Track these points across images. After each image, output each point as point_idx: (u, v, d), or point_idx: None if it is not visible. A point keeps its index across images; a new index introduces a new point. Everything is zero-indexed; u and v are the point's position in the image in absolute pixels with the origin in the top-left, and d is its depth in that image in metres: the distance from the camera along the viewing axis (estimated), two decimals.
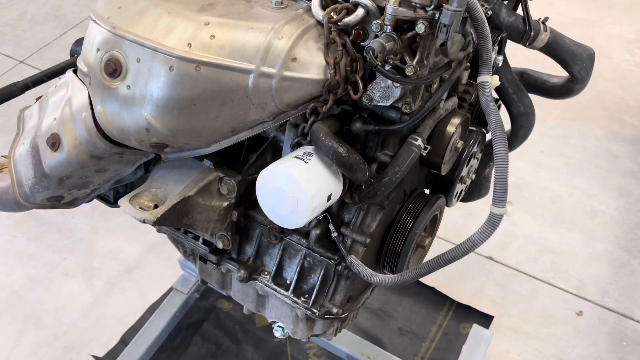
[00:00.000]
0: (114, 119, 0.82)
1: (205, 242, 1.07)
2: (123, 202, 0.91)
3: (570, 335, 2.00)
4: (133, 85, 0.79)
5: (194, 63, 0.75)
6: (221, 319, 2.06)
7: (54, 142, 0.86)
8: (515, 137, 1.20)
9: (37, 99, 1.04)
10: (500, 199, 0.72)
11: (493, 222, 0.73)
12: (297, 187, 0.79)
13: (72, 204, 1.01)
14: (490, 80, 0.79)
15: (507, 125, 1.19)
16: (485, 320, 2.01)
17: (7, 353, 1.98)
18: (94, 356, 1.96)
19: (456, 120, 0.95)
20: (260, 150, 0.99)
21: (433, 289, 2.10)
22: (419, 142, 0.86)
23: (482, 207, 2.03)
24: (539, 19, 1.04)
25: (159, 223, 0.89)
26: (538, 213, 2.38)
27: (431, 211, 1.00)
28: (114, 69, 0.79)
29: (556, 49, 1.06)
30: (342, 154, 0.79)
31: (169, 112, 0.79)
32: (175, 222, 0.92)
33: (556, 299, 2.10)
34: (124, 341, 1.99)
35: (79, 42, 1.35)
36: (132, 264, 2.26)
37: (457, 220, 2.29)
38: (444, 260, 0.78)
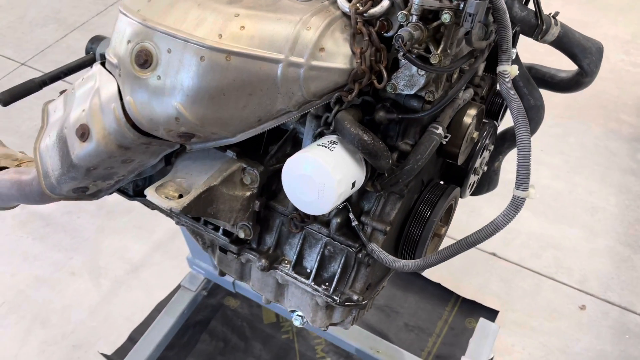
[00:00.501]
0: (143, 109, 0.84)
1: (225, 233, 1.08)
2: (149, 191, 0.92)
3: (574, 328, 2.03)
4: (163, 76, 0.81)
5: (224, 53, 0.78)
6: (229, 316, 2.07)
7: (83, 133, 0.88)
8: None
9: (61, 92, 1.06)
10: (523, 182, 0.74)
11: (516, 205, 0.75)
12: (323, 174, 0.81)
13: (96, 195, 1.03)
14: (509, 70, 0.82)
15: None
16: (491, 314, 2.03)
17: (15, 352, 1.98)
18: (102, 354, 1.96)
19: (472, 111, 0.98)
20: (281, 142, 1.02)
21: (438, 285, 2.13)
22: (440, 130, 0.88)
23: (485, 204, 2.07)
24: (550, 14, 1.07)
25: (185, 212, 0.91)
26: (539, 210, 2.42)
27: (447, 201, 1.02)
28: (144, 59, 0.81)
29: (566, 42, 1.09)
30: (367, 141, 0.81)
31: (198, 102, 0.81)
32: (200, 211, 0.94)
33: (559, 293, 2.13)
34: (132, 339, 2.00)
35: (94, 40, 1.36)
36: (138, 263, 2.27)
37: (461, 217, 2.32)
38: (467, 243, 0.80)
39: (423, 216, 1.00)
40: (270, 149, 1.03)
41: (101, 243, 2.35)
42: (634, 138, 2.72)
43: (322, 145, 0.85)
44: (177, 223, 1.17)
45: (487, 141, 1.10)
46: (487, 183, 1.37)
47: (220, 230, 1.09)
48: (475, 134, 1.02)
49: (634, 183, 2.55)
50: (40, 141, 0.99)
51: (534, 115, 1.19)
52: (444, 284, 2.14)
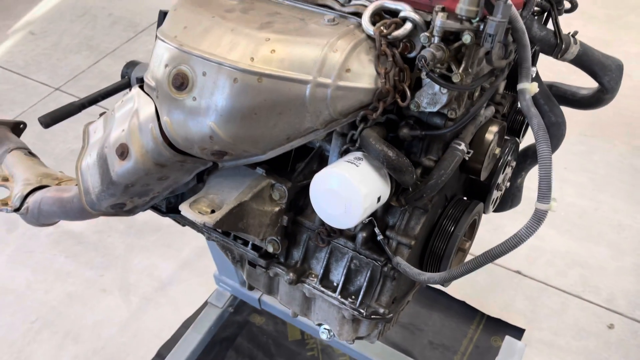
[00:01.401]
0: (179, 128, 0.89)
1: (254, 248, 1.12)
2: (184, 207, 0.97)
3: (602, 348, 2.00)
4: (199, 97, 0.86)
5: (256, 75, 0.82)
6: (254, 333, 2.10)
7: (123, 152, 0.93)
8: None
9: (101, 114, 1.12)
10: (545, 195, 0.77)
11: (539, 218, 0.77)
12: (350, 189, 0.84)
13: (132, 211, 1.08)
14: (529, 87, 0.85)
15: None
16: (517, 333, 2.02)
17: None
18: None
19: (494, 128, 1.00)
20: (308, 159, 1.06)
21: (463, 303, 2.13)
22: (462, 146, 0.91)
23: (509, 221, 2.06)
24: (569, 33, 1.10)
25: (218, 226, 0.95)
26: (564, 228, 2.40)
27: (471, 215, 1.05)
28: (181, 82, 0.86)
29: (586, 60, 1.12)
30: (392, 157, 0.85)
31: (231, 121, 0.86)
32: (231, 225, 0.98)
33: (587, 312, 2.11)
34: (161, 355, 2.04)
35: (129, 65, 1.44)
36: (166, 280, 2.32)
37: (484, 235, 2.32)
38: (491, 256, 0.82)
39: (447, 231, 1.02)
40: (297, 166, 1.07)
41: (131, 261, 2.41)
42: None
43: (349, 162, 0.88)
44: (208, 238, 1.22)
45: (509, 157, 1.12)
46: (510, 200, 1.39)
47: (249, 245, 1.13)
48: (498, 150, 1.05)
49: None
50: (81, 160, 1.05)
51: (555, 132, 1.21)
52: (468, 302, 2.14)
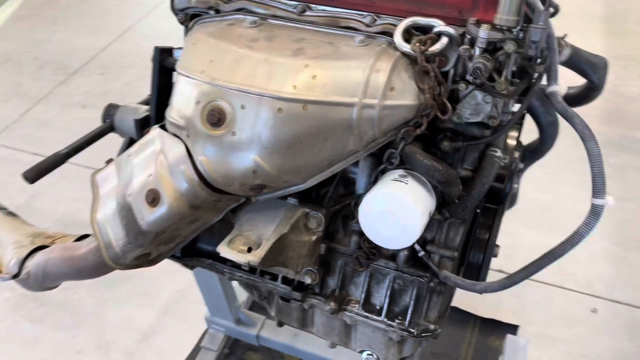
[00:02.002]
0: (219, 166, 0.85)
1: (285, 281, 1.08)
2: (222, 248, 0.92)
3: (591, 332, 2.09)
4: (239, 131, 0.82)
5: (301, 103, 0.80)
6: None
7: (154, 198, 0.87)
8: (545, 146, 1.30)
9: (107, 162, 1.04)
10: (600, 190, 0.79)
11: (597, 213, 0.80)
12: (406, 208, 0.83)
13: (155, 261, 1.01)
14: (560, 89, 0.88)
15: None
16: (512, 330, 2.07)
17: None
18: None
19: (514, 133, 1.03)
20: (334, 184, 1.03)
21: (456, 308, 2.15)
22: (499, 153, 0.93)
23: (524, 228, 2.11)
24: (560, 37, 1.15)
25: (263, 263, 0.91)
26: (533, 222, 2.50)
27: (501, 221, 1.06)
28: (218, 118, 0.82)
29: (577, 61, 1.18)
30: (442, 170, 0.84)
31: (277, 152, 0.82)
32: (273, 261, 0.94)
33: (570, 300, 2.20)
34: None
35: (111, 107, 1.36)
36: (149, 331, 2.18)
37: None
38: (554, 256, 0.84)
39: (482, 239, 1.03)
40: (321, 192, 1.04)
41: (104, 316, 2.25)
42: (604, 144, 2.82)
43: (396, 180, 0.87)
44: (230, 278, 1.16)
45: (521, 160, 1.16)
46: (509, 201, 1.43)
47: (279, 279, 1.08)
48: (517, 154, 1.08)
49: (613, 186, 2.67)
50: (96, 213, 0.97)
51: (552, 131, 1.27)
52: (459, 307, 2.17)
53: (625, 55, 3.51)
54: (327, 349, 1.81)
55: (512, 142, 1.02)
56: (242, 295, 2.06)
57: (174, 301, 2.29)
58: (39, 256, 1.07)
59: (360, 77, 0.81)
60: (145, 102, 1.37)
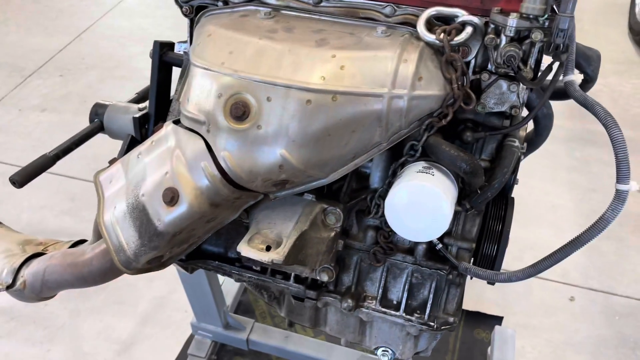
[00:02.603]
0: (243, 161, 0.81)
1: (297, 280, 1.05)
2: (243, 247, 0.89)
3: (570, 320, 2.15)
4: (265, 125, 0.79)
5: (330, 94, 0.78)
6: None
7: (173, 197, 0.83)
8: (540, 137, 1.32)
9: (110, 162, 0.99)
10: (625, 176, 0.81)
11: (622, 199, 0.81)
12: (436, 198, 0.82)
13: (166, 264, 0.96)
14: (576, 78, 0.89)
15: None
16: (496, 321, 2.10)
17: None
18: None
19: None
20: (348, 179, 1.02)
21: None
22: (517, 143, 0.93)
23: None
24: None
25: (286, 261, 0.88)
26: None
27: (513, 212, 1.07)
28: (243, 111, 0.79)
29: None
30: (468, 160, 0.84)
31: (304, 145, 0.80)
32: (294, 258, 0.91)
33: (549, 290, 2.26)
34: None
35: (97, 107, 1.29)
36: (128, 341, 2.10)
37: None
38: (580, 242, 0.85)
39: (495, 230, 1.04)
40: (334, 187, 1.02)
41: (80, 328, 2.15)
42: (569, 139, 2.99)
43: (421, 172, 0.86)
44: (238, 280, 1.12)
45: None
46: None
47: (292, 279, 1.06)
48: (525, 145, 1.09)
49: (580, 178, 2.79)
50: (102, 215, 0.92)
51: (547, 123, 1.29)
52: None
53: None
54: (318, 350, 1.79)
55: (523, 133, 1.03)
56: (227, 298, 2.01)
57: (153, 309, 2.21)
58: (36, 264, 1.00)
59: (389, 67, 0.79)
60: (136, 101, 1.31)
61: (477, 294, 2.23)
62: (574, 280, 2.30)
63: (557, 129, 3.45)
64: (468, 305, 2.19)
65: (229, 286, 2.08)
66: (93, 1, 4.33)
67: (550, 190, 2.72)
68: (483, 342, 2.05)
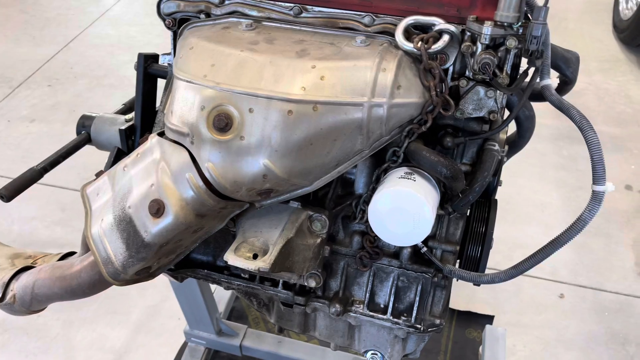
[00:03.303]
0: (226, 172, 0.83)
1: (285, 287, 1.07)
2: (230, 256, 0.90)
3: (560, 317, 2.18)
4: (248, 136, 0.81)
5: (311, 104, 0.79)
6: None
7: (159, 208, 0.84)
8: (523, 139, 1.34)
9: (97, 174, 1.00)
10: (600, 177, 0.83)
11: (598, 199, 0.83)
12: (417, 204, 0.84)
13: (154, 274, 0.97)
14: (552, 82, 0.91)
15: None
16: (488, 320, 2.12)
17: None
18: None
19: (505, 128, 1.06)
20: (333, 185, 1.03)
21: None
22: (497, 147, 0.95)
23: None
24: None
25: (272, 269, 0.89)
26: (498, 215, 2.58)
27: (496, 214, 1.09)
28: (225, 123, 0.80)
29: (551, 57, 1.23)
30: (448, 165, 0.86)
31: (287, 155, 0.81)
32: (280, 266, 0.93)
33: (538, 288, 2.28)
34: None
35: (85, 118, 1.30)
36: (122, 350, 2.10)
37: None
38: (560, 243, 0.87)
39: (480, 232, 1.05)
40: (319, 194, 1.04)
41: (73, 338, 2.15)
42: (555, 137, 3.02)
43: (403, 178, 0.88)
44: (227, 288, 1.13)
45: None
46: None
47: (280, 285, 1.07)
48: (506, 148, 1.11)
49: (567, 176, 2.82)
50: (90, 228, 0.92)
51: (529, 125, 1.31)
52: None
53: None
54: (312, 354, 1.81)
55: (503, 136, 1.05)
56: (220, 305, 2.02)
57: (146, 318, 2.21)
58: (25, 278, 1.01)
59: (369, 76, 0.81)
60: (122, 112, 1.32)
61: (469, 295, 2.25)
62: (564, 278, 2.32)
63: (545, 128, 3.52)
64: (460, 305, 2.21)
65: (222, 293, 2.09)
66: (80, 10, 4.33)
67: (538, 188, 2.75)
68: (475, 342, 2.07)
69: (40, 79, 3.55)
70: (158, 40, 3.83)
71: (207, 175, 0.84)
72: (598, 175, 0.83)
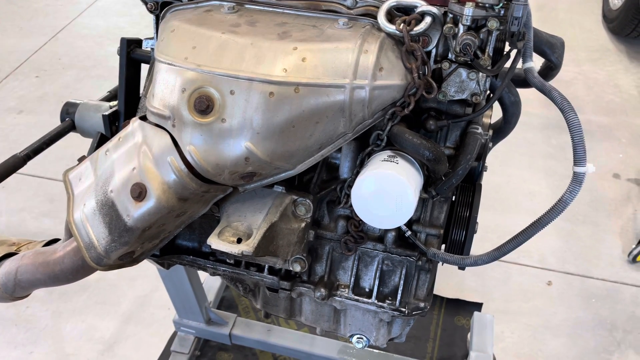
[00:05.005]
0: (208, 155, 0.82)
1: (271, 272, 1.07)
2: (213, 240, 0.90)
3: (547, 304, 2.20)
4: (229, 118, 0.80)
5: (293, 86, 0.79)
6: None
7: (140, 192, 0.84)
8: (508, 125, 1.34)
9: (79, 160, 0.99)
10: (581, 159, 0.83)
11: (579, 180, 0.84)
12: (400, 186, 0.84)
13: (138, 260, 0.97)
14: (535, 65, 0.91)
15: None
16: (476, 308, 2.14)
17: None
18: None
19: (489, 112, 1.06)
20: (318, 170, 1.03)
21: None
22: (480, 130, 0.95)
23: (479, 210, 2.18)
24: None
25: (256, 253, 0.89)
26: (487, 204, 2.59)
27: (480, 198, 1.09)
28: (206, 105, 0.80)
29: (536, 41, 1.23)
30: (430, 148, 0.86)
31: (269, 137, 0.81)
32: (265, 250, 0.93)
33: (526, 275, 2.30)
34: None
35: (69, 105, 1.29)
36: (111, 340, 2.10)
37: None
38: (541, 224, 0.87)
39: (464, 217, 1.06)
40: (304, 179, 1.04)
41: (62, 329, 2.15)
42: (544, 127, 3.03)
43: (386, 161, 0.88)
44: (213, 273, 1.13)
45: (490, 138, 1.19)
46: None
47: (266, 270, 1.07)
48: (490, 132, 1.11)
49: (556, 165, 2.84)
50: (72, 213, 0.92)
51: (515, 111, 1.31)
52: None
53: None
54: (301, 341, 1.81)
55: (487, 120, 1.05)
56: (210, 295, 2.02)
57: (136, 308, 2.21)
58: (8, 264, 1.01)
59: (350, 58, 0.81)
60: (107, 99, 1.31)
61: (458, 282, 2.27)
62: (551, 265, 2.34)
63: (533, 117, 3.53)
64: (448, 292, 2.22)
65: (212, 282, 2.09)
66: (68, 0, 4.29)
67: (527, 177, 2.77)
68: (463, 329, 2.09)
69: (28, 70, 3.52)
70: (147, 31, 3.78)
71: (189, 158, 0.83)
72: (579, 157, 0.83)
